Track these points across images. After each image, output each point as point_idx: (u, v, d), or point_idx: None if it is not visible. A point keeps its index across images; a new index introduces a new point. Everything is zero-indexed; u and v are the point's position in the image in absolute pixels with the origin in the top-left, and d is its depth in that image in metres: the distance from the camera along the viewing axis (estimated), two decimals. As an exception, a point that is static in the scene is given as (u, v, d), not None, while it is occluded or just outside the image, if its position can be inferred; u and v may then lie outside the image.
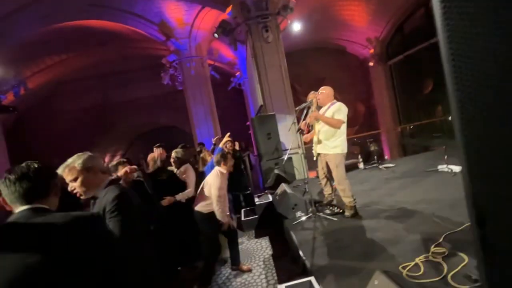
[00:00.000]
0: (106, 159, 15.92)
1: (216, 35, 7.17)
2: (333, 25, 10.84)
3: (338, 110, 3.24)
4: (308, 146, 3.89)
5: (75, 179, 1.44)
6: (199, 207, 3.02)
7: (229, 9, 6.93)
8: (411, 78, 10.79)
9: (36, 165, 1.08)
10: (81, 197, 1.49)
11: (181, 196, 3.22)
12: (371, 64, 11.80)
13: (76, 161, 1.47)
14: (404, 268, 2.03)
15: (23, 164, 1.07)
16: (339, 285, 2.07)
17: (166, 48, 9.35)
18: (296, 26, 7.40)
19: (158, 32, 8.57)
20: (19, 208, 1.02)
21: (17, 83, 8.38)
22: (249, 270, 3.23)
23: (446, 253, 2.09)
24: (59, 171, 1.46)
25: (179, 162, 3.49)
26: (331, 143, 3.26)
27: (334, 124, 3.21)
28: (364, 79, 12.53)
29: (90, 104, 12.66)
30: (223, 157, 3.07)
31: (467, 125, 0.57)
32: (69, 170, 1.44)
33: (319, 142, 3.36)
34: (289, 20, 7.10)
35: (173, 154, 3.53)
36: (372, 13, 10.28)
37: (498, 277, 0.62)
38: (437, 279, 1.86)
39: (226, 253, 3.46)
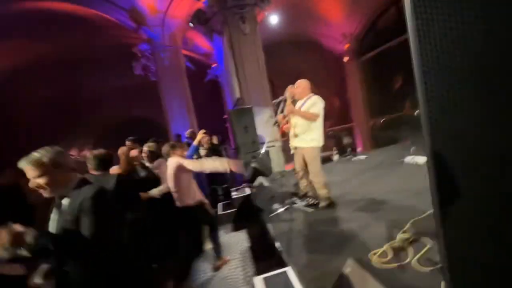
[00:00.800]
0: (73, 154, 14.96)
1: (191, 24, 6.92)
2: (309, 19, 10.94)
3: (314, 104, 3.29)
4: (285, 139, 3.93)
5: (40, 176, 1.29)
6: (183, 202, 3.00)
7: (205, -3, 6.71)
8: (383, 74, 11.27)
9: None
10: (45, 195, 1.36)
11: (155, 192, 3.11)
12: (345, 59, 12.13)
13: (44, 155, 1.31)
14: (374, 254, 2.15)
15: None
16: (315, 274, 2.14)
17: (138, 36, 8.86)
18: (274, 19, 7.37)
19: (129, 19, 8.09)
20: None
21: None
22: (227, 261, 3.25)
23: (411, 239, 2.23)
24: (21, 165, 1.30)
25: (152, 156, 3.37)
26: (307, 136, 3.31)
27: (309, 117, 3.26)
28: (339, 74, 12.87)
29: (54, 95, 11.71)
30: (172, 146, 3.04)
31: (431, 101, 0.63)
32: (35, 166, 1.28)
33: (296, 135, 3.40)
34: (266, 12, 7.05)
35: (145, 148, 3.39)
36: (348, 8, 10.51)
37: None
38: (402, 263, 1.98)
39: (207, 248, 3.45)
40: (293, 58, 12.32)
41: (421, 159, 4.49)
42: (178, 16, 8.34)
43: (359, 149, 8.87)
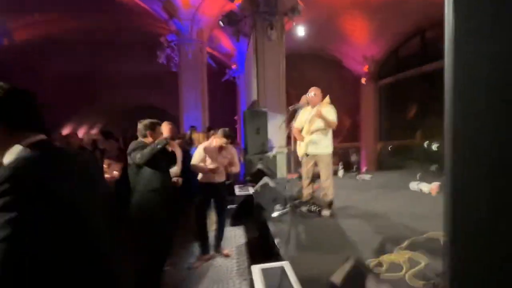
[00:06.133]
0: (82, 131, 15.20)
1: (221, 23, 7.14)
2: (334, 36, 11.14)
3: (331, 112, 3.43)
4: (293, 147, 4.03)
5: None
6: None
7: (238, 0, 6.94)
8: (397, 101, 11.36)
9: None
10: None
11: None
12: (363, 80, 12.26)
13: None
14: (370, 263, 2.21)
15: None
16: (311, 272, 2.21)
17: (166, 27, 9.13)
18: (300, 30, 7.52)
19: (162, 9, 8.38)
20: None
21: (1, 32, 7.86)
22: (227, 256, 3.31)
23: (408, 256, 2.29)
24: None
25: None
26: (324, 142, 3.45)
27: (332, 124, 3.39)
28: (354, 94, 12.98)
29: (76, 70, 12.06)
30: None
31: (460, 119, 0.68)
32: None
33: (312, 142, 3.50)
34: (294, 23, 7.24)
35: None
36: (373, 32, 10.69)
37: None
38: (396, 274, 2.05)
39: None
40: (312, 71, 12.49)
41: (426, 187, 4.53)
42: (208, 14, 8.60)
43: (364, 169, 8.89)
